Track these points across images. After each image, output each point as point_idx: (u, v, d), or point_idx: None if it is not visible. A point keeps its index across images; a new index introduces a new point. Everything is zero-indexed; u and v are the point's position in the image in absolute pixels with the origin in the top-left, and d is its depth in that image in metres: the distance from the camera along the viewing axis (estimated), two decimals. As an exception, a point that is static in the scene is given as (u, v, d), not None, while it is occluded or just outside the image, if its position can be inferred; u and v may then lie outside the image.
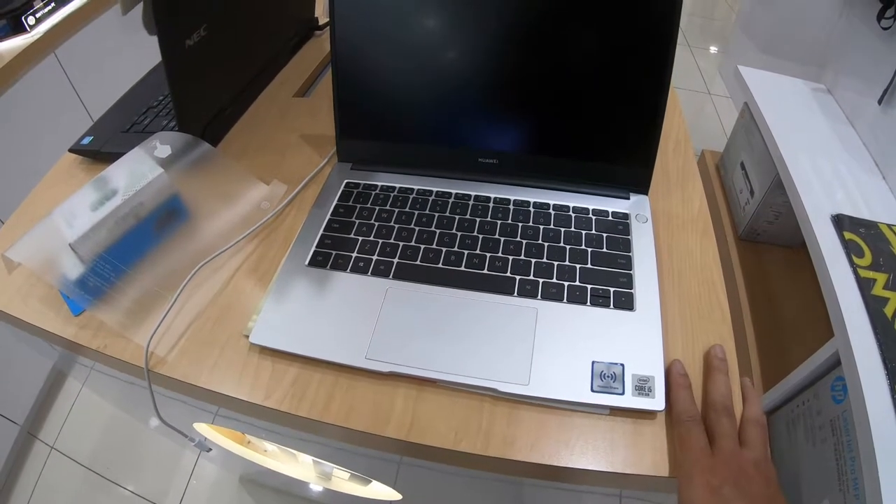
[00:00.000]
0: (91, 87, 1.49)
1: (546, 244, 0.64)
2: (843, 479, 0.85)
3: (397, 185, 0.71)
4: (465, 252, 0.63)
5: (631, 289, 0.60)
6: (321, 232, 0.67)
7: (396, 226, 0.66)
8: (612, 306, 0.59)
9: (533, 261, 0.62)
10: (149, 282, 0.62)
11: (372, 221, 0.67)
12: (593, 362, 0.54)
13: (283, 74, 0.98)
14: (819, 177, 1.09)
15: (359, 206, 0.69)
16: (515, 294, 0.60)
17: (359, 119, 0.72)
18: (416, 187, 0.71)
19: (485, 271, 0.62)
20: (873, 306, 0.87)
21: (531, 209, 0.68)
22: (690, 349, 0.58)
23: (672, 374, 0.54)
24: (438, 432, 0.52)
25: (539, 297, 0.59)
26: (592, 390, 0.53)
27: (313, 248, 0.65)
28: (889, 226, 1.00)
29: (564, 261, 0.62)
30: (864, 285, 0.90)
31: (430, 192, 0.70)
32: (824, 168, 1.11)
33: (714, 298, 0.62)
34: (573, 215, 0.67)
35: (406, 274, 0.62)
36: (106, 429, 1.58)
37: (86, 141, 0.82)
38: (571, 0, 0.62)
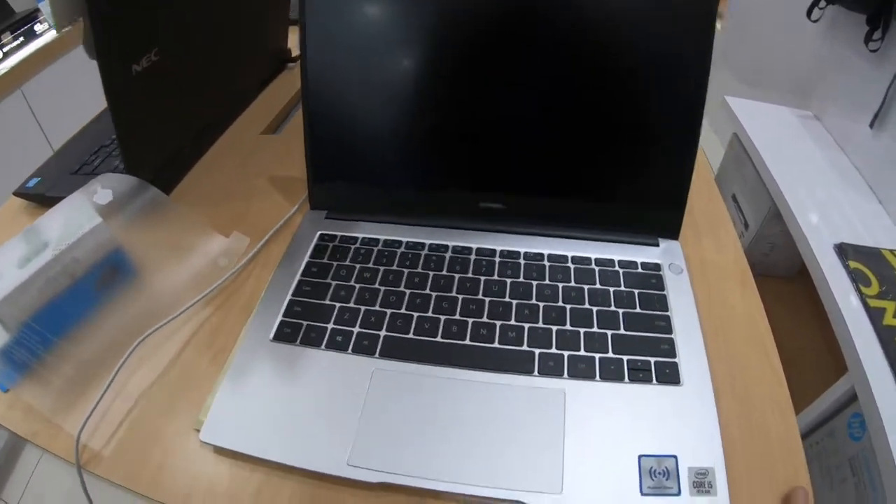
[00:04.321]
0: (59, 125, 1.34)
1: (568, 307, 0.48)
2: (866, 521, 0.74)
3: (382, 238, 0.55)
4: (470, 321, 0.48)
5: (674, 357, 0.45)
6: (289, 297, 0.51)
7: (382, 288, 0.50)
8: (654, 381, 0.44)
9: (554, 328, 0.47)
10: (85, 356, 0.49)
11: (352, 283, 0.51)
12: (640, 457, 0.40)
13: (252, 110, 0.83)
14: (817, 206, 1.00)
15: (335, 263, 0.53)
16: (536, 373, 0.44)
17: (335, 159, 0.57)
18: (404, 240, 0.55)
19: (495, 345, 0.46)
20: (886, 337, 0.77)
21: (546, 262, 0.52)
22: (747, 424, 0.44)
23: None
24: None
25: (565, 374, 0.44)
26: (642, 493, 0.38)
27: (279, 318, 0.49)
28: (892, 251, 0.92)
29: (592, 327, 0.47)
30: (875, 316, 0.80)
31: (423, 245, 0.54)
32: (821, 196, 1.03)
33: (764, 357, 0.49)
34: (596, 269, 0.52)
35: (396, 351, 0.46)
36: (71, 486, 1.37)
37: (32, 183, 0.69)
38: (592, 12, 0.48)
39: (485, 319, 0.47)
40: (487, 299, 0.49)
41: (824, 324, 0.84)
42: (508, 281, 0.50)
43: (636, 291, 0.49)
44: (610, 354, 0.45)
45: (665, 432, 0.41)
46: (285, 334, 0.48)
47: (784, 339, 0.50)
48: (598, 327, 0.47)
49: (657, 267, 0.52)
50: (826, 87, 1.21)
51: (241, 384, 0.45)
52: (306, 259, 0.54)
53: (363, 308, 0.49)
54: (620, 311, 0.48)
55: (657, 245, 0.54)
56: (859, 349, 0.75)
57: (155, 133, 0.66)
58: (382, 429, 0.41)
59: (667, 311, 0.48)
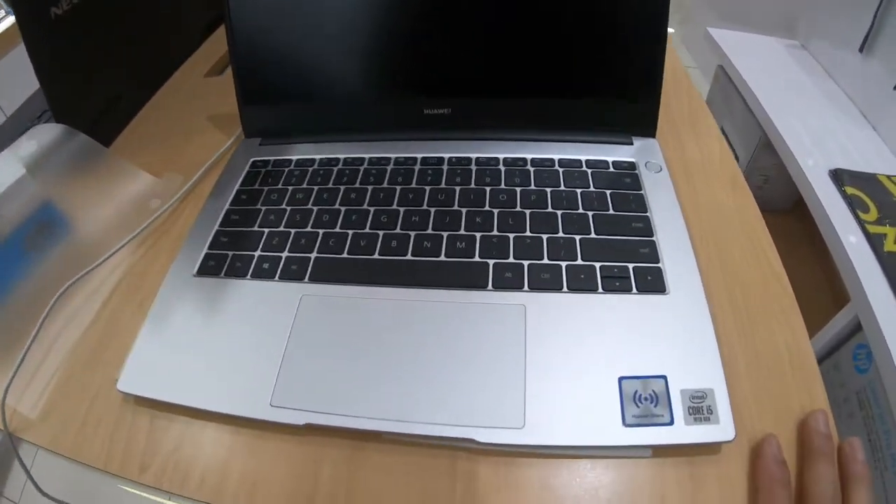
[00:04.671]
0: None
1: (528, 212, 0.41)
2: (877, 456, 0.71)
3: (318, 157, 0.48)
4: (412, 234, 0.40)
5: (657, 262, 0.37)
6: (216, 228, 0.44)
7: (315, 208, 0.43)
8: (634, 290, 0.36)
9: (511, 236, 0.39)
10: (15, 318, 0.44)
11: (283, 206, 0.44)
12: (621, 379, 0.32)
13: (197, 54, 0.75)
14: (809, 133, 0.93)
15: (266, 188, 0.46)
16: (490, 286, 0.37)
17: (263, 76, 0.49)
18: (342, 156, 0.47)
19: (441, 258, 0.38)
20: (889, 264, 0.73)
21: (501, 167, 0.44)
22: (749, 339, 0.37)
23: (763, 462, 0.31)
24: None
25: (525, 287, 0.36)
26: (626, 424, 0.31)
27: (204, 251, 0.42)
28: (888, 176, 0.86)
29: (557, 232, 0.39)
30: (876, 242, 0.76)
31: (362, 160, 0.47)
32: (812, 123, 0.96)
33: (766, 267, 0.41)
34: (560, 170, 0.43)
35: (329, 273, 0.39)
36: (74, 473, 1.31)
37: (-26, 156, 0.63)
38: None
39: (429, 231, 0.40)
40: (433, 209, 0.41)
41: (824, 257, 0.80)
42: (457, 188, 0.43)
43: (608, 192, 0.41)
44: (579, 262, 0.37)
45: (651, 349, 0.34)
46: (209, 267, 0.41)
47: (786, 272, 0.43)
48: (564, 232, 0.39)
49: (632, 166, 0.44)
50: (812, 14, 1.12)
51: (161, 326, 0.38)
52: (236, 188, 0.46)
53: (293, 231, 0.41)
54: (590, 213, 0.40)
55: (631, 143, 0.46)
56: (861, 277, 0.71)
57: (86, 80, 0.60)
58: (311, 362, 0.34)
59: (645, 211, 0.40)
